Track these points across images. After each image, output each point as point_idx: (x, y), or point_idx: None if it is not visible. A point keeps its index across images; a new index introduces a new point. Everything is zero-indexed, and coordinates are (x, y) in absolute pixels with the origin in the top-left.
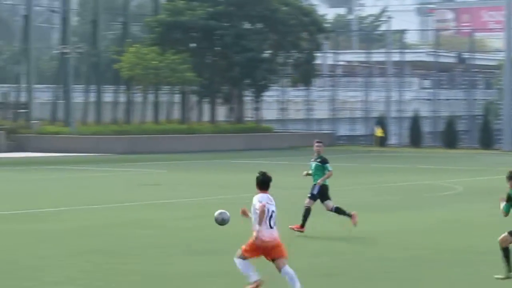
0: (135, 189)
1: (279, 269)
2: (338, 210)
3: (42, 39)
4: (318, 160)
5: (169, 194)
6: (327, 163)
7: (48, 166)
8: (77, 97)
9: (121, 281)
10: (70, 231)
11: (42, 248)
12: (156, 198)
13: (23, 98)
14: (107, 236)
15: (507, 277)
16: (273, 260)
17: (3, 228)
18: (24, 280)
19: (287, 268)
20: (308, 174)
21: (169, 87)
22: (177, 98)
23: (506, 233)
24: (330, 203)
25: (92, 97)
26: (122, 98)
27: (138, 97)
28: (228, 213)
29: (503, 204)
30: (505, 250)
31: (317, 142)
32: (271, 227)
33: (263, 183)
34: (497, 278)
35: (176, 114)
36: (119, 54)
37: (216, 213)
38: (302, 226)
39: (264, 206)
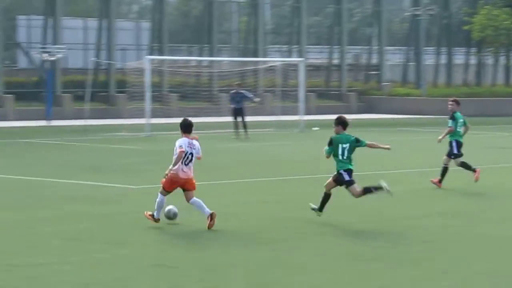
0: (484, 152)
1: (188, 199)
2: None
3: (394, 1)
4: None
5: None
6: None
7: (399, 128)
8: (428, 59)
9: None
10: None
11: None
12: (502, 161)
13: (374, 60)
14: (453, 199)
15: (314, 210)
16: (184, 190)
17: None
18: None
19: (195, 199)
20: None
21: None
22: None
23: (330, 179)
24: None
25: (443, 59)
26: (473, 60)
27: (488, 59)
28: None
29: (325, 148)
30: (327, 195)
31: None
32: (186, 165)
33: (186, 126)
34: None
35: None
36: (470, 16)
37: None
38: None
39: (182, 152)
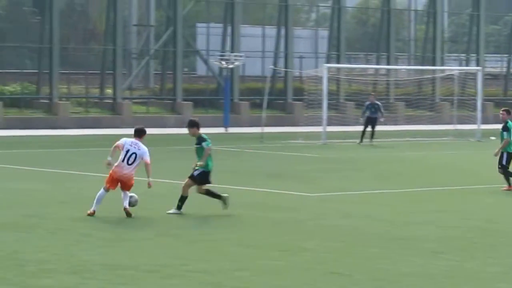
0: None
1: (124, 192)
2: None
3: None
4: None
5: None
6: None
7: None
8: None
9: None
10: None
11: None
12: None
13: None
14: None
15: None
16: (122, 189)
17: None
18: None
19: (127, 193)
20: None
21: None
22: None
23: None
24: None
25: None
26: None
27: None
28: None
29: None
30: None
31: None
32: (128, 165)
33: (135, 131)
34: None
35: None
36: None
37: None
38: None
39: (117, 146)
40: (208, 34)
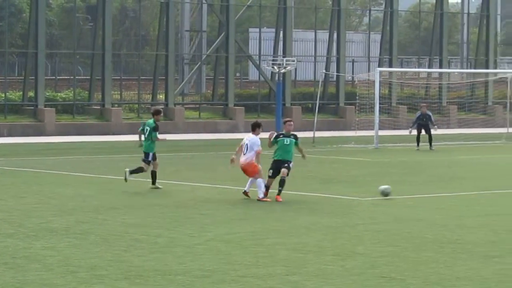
0: None
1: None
2: None
3: None
4: None
5: None
6: None
7: None
8: None
9: None
10: None
11: None
12: None
13: None
14: None
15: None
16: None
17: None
18: None
19: (259, 181)
20: None
21: None
22: None
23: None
24: None
25: None
26: None
27: None
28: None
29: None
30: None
31: None
32: (244, 155)
33: (252, 126)
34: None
35: None
36: None
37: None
38: None
39: (241, 146)
40: (260, 39)
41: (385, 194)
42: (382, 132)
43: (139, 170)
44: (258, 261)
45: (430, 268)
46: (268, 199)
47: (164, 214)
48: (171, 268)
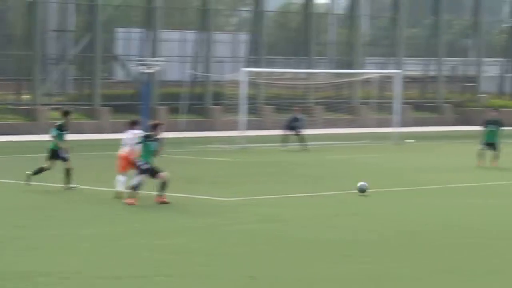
0: None
1: None
2: None
3: (493, 12)
4: None
5: None
6: None
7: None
8: None
9: None
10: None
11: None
12: None
13: (471, 71)
14: None
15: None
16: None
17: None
18: None
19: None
20: None
21: None
22: None
23: None
24: None
25: None
26: None
27: None
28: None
29: None
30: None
31: None
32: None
33: (130, 123)
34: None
35: None
36: None
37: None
38: None
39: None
40: (128, 39)
41: (362, 190)
42: (249, 133)
43: (39, 171)
44: (123, 262)
45: (293, 267)
46: (132, 201)
47: (26, 215)
48: (33, 270)
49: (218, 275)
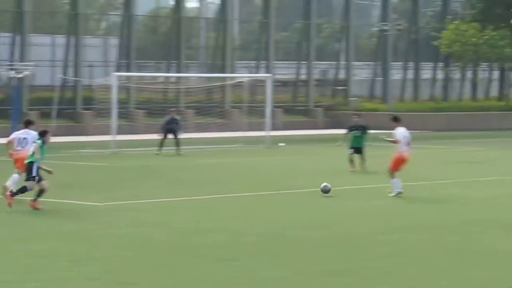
0: (450, 166)
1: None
2: None
3: (362, 16)
4: None
5: (486, 172)
6: None
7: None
8: (395, 74)
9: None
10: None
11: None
12: (470, 176)
13: (341, 75)
14: (422, 212)
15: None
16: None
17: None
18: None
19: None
20: None
21: (487, 63)
22: (495, 75)
23: None
24: None
25: (410, 74)
26: (440, 75)
27: (455, 74)
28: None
29: None
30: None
31: None
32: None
33: (26, 122)
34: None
35: (494, 91)
36: (438, 31)
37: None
38: None
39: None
40: None
41: (325, 191)
42: (120, 137)
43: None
44: None
45: (166, 272)
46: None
47: None
48: None
49: (87, 280)
